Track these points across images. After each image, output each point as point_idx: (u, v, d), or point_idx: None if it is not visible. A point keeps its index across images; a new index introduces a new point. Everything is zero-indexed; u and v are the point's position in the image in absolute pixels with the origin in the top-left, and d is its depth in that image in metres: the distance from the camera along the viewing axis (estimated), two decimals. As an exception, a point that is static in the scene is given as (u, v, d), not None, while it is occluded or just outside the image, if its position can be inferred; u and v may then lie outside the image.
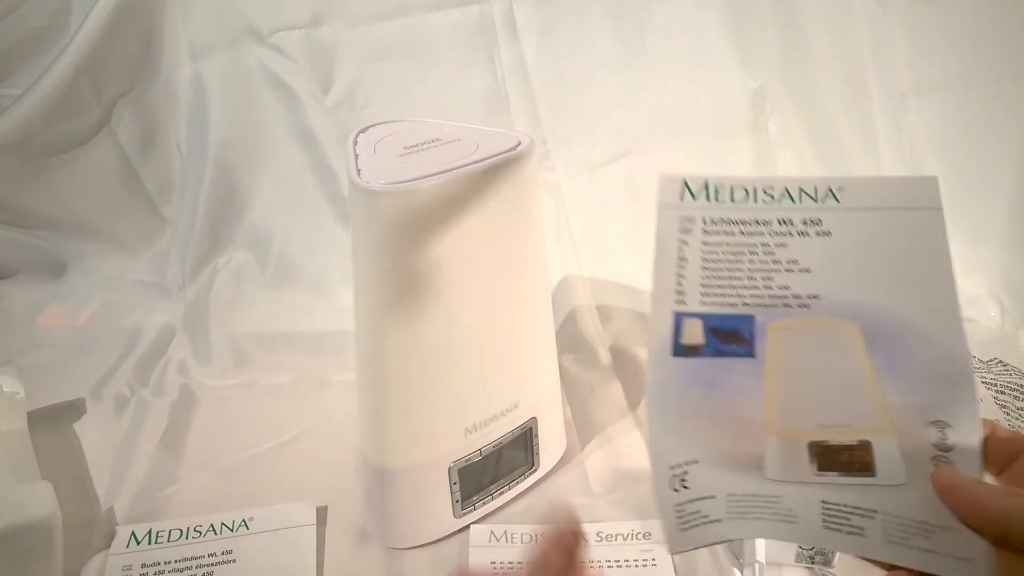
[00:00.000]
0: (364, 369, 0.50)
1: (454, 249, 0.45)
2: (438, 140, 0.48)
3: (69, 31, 0.76)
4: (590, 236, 0.82)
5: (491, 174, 0.45)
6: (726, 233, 0.33)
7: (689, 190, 0.34)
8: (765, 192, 0.34)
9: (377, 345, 0.48)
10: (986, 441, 0.28)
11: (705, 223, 0.33)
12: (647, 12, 0.78)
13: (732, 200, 0.34)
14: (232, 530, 0.54)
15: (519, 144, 0.47)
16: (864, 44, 0.75)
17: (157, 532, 0.54)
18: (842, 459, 0.29)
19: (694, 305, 0.32)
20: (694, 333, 0.32)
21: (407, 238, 0.44)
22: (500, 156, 0.45)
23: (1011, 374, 0.59)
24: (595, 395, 0.69)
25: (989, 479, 0.28)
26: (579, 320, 0.77)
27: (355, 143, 0.48)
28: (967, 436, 0.29)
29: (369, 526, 0.55)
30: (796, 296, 0.32)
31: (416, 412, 0.49)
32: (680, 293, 0.33)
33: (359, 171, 0.44)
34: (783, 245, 0.33)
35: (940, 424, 0.29)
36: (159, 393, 0.71)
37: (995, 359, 0.61)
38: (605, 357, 0.74)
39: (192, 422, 0.67)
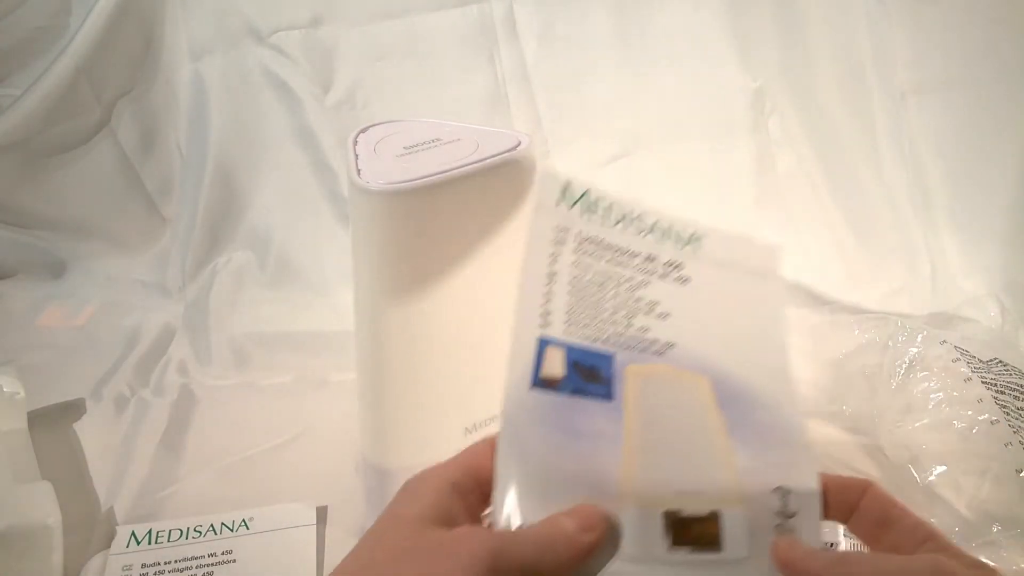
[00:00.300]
0: (364, 369, 0.49)
1: (454, 249, 0.45)
2: (438, 140, 0.48)
3: (69, 31, 0.76)
4: (590, 236, 0.82)
5: (491, 174, 0.45)
6: (597, 257, 0.31)
7: (568, 196, 0.31)
8: (639, 220, 0.32)
9: (377, 345, 0.48)
10: (825, 493, 0.28)
11: (579, 239, 0.31)
12: (647, 12, 0.78)
13: (607, 220, 0.31)
14: (232, 530, 0.54)
15: (519, 144, 0.47)
16: (864, 44, 0.75)
17: (157, 532, 0.54)
18: (694, 532, 0.27)
19: (557, 331, 0.29)
20: (555, 364, 0.29)
21: (407, 238, 0.44)
22: (500, 156, 0.45)
23: (1011, 374, 0.59)
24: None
25: (841, 529, 0.28)
26: (579, 320, 0.77)
27: (355, 143, 0.48)
28: (807, 503, 0.28)
29: (369, 526, 0.54)
30: (654, 341, 0.30)
31: (416, 412, 0.49)
32: (545, 315, 0.29)
33: (359, 171, 0.44)
34: (646, 283, 0.31)
35: (781, 491, 0.28)
36: (159, 393, 0.71)
37: (995, 359, 0.61)
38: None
39: (192, 422, 0.67)
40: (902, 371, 0.60)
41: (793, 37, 0.77)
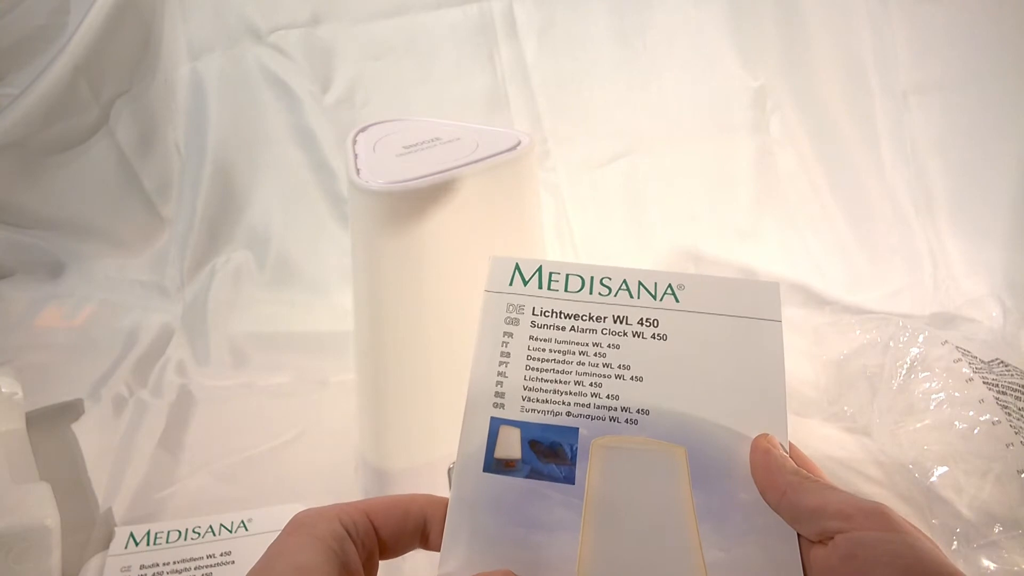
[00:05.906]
0: (363, 369, 0.49)
1: (454, 249, 0.45)
2: (437, 139, 0.48)
3: (67, 30, 0.76)
4: (590, 236, 0.82)
5: (491, 173, 0.45)
6: (557, 328, 0.30)
7: (521, 274, 0.31)
8: (602, 283, 0.31)
9: (376, 345, 0.47)
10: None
11: (535, 313, 0.30)
12: (647, 11, 0.77)
13: (566, 290, 0.31)
14: (231, 531, 0.54)
15: (519, 143, 0.47)
16: (865, 43, 0.75)
17: (156, 533, 0.53)
18: None
19: (513, 411, 0.28)
20: (511, 445, 0.28)
21: (407, 238, 0.44)
22: (500, 155, 0.45)
23: (1012, 375, 0.59)
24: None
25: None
26: (579, 320, 0.77)
27: (354, 142, 0.48)
28: None
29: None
30: (625, 409, 0.28)
31: (416, 412, 0.49)
32: (499, 395, 0.28)
33: (358, 170, 0.44)
34: (616, 347, 0.29)
35: None
36: (157, 394, 0.70)
37: (997, 359, 0.61)
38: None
39: (191, 423, 0.67)
40: (903, 372, 0.60)
41: (794, 36, 0.77)
